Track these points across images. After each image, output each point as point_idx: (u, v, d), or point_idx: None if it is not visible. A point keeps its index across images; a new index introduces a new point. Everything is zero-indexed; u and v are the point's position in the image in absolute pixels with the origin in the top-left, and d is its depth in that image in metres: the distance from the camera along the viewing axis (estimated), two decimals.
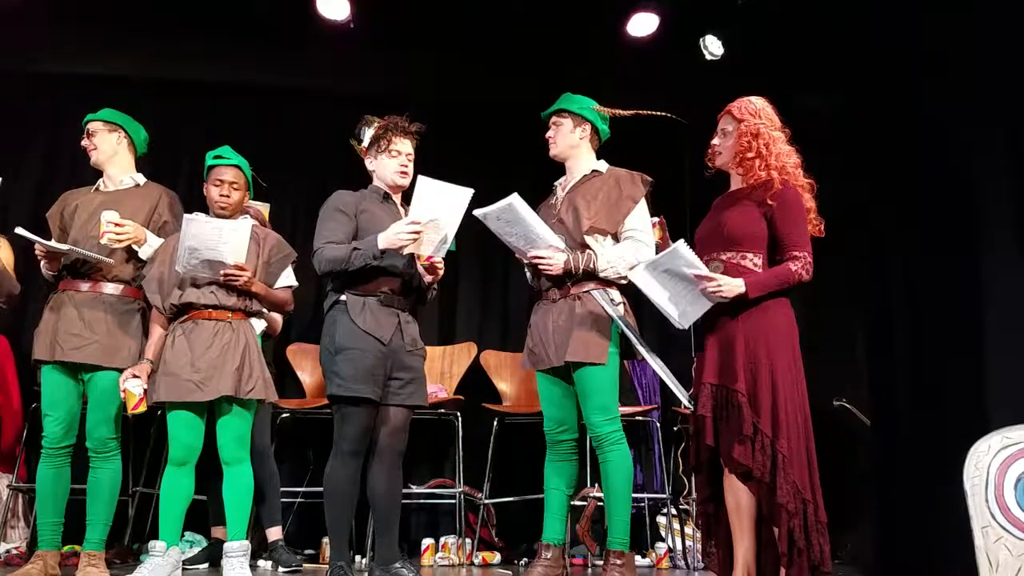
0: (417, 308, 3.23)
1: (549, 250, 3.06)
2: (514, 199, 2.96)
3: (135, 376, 3.06)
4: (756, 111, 2.90)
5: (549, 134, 3.27)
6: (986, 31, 3.75)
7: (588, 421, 3.09)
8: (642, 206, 3.16)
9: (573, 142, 3.24)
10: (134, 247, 3.24)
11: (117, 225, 3.14)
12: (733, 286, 2.74)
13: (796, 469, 2.65)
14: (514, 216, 3.00)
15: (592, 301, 3.08)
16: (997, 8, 3.67)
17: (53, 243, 3.16)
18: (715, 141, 2.99)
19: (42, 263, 3.28)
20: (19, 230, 3.14)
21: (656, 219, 3.23)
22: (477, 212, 3.05)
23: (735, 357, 2.74)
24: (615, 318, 3.07)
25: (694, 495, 4.11)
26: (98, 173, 3.43)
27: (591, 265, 3.06)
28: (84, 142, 3.39)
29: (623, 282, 3.17)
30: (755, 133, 2.86)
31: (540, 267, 3.07)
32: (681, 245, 2.84)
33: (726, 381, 2.75)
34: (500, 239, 3.15)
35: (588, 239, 3.10)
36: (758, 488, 2.68)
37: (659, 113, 3.26)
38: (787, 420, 2.68)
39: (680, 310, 2.81)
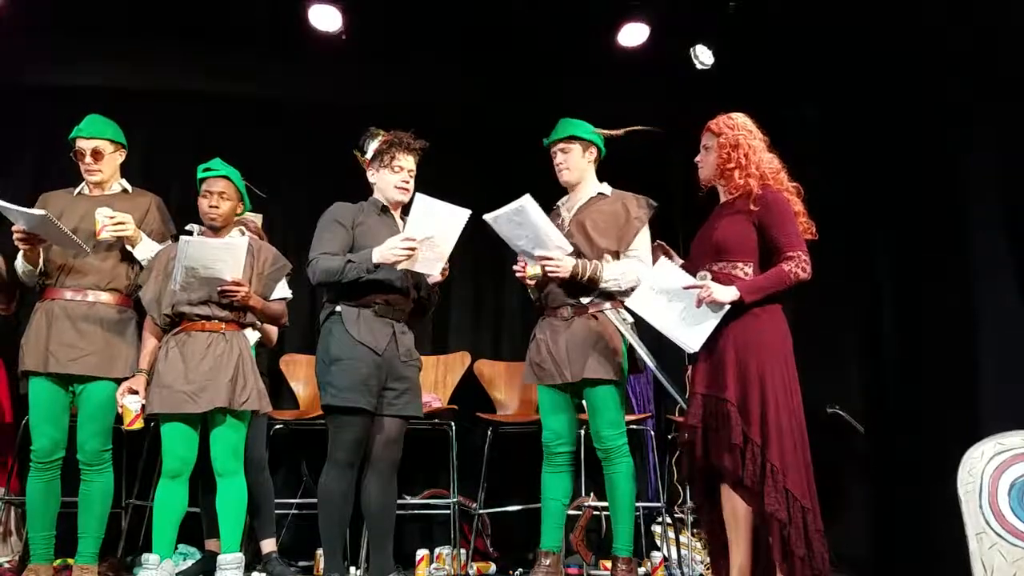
0: (413, 319, 3.24)
1: (557, 252, 3.14)
2: (526, 201, 3.04)
3: (132, 391, 3.06)
4: (734, 124, 2.93)
5: (559, 160, 3.34)
6: (981, 34, 3.78)
7: (598, 434, 3.19)
8: (645, 228, 3.28)
9: (584, 166, 3.34)
10: (128, 247, 3.24)
11: (111, 218, 3.14)
12: (726, 291, 2.74)
13: (793, 477, 2.65)
14: (525, 219, 3.07)
15: (606, 320, 3.20)
16: (992, 12, 3.70)
17: (29, 209, 3.03)
18: (697, 158, 3.02)
19: (20, 259, 3.22)
20: None
21: (654, 244, 3.29)
22: (487, 217, 3.12)
23: (725, 366, 2.75)
24: (628, 337, 3.19)
25: (688, 503, 4.12)
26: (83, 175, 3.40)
27: (597, 274, 3.15)
28: (88, 160, 3.29)
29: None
30: (734, 144, 2.89)
31: (548, 268, 3.14)
32: (663, 261, 2.87)
33: (715, 391, 2.76)
34: (509, 244, 3.22)
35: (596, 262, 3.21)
36: (749, 496, 2.69)
37: (642, 128, 3.35)
38: (779, 429, 2.68)
39: (687, 331, 2.82)
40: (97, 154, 3.32)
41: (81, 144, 3.32)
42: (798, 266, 2.77)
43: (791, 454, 2.68)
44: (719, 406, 2.74)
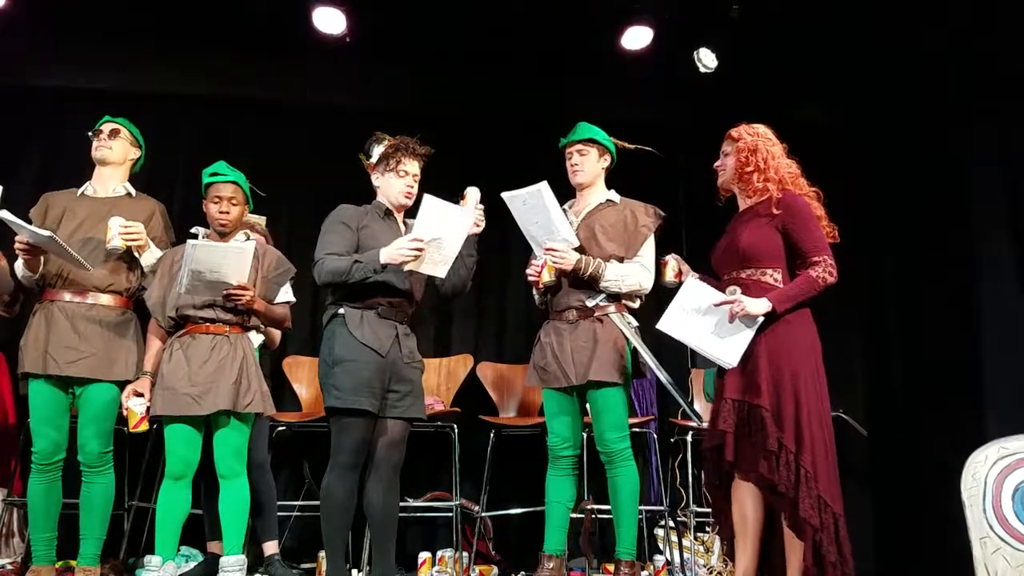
0: (415, 322, 3.25)
1: (563, 244, 3.19)
2: (543, 186, 3.12)
3: (137, 394, 3.06)
4: (755, 132, 2.96)
5: (575, 162, 3.37)
6: (981, 34, 3.78)
7: (602, 437, 3.20)
8: (651, 237, 3.33)
9: (598, 171, 3.40)
10: (136, 254, 3.25)
11: (126, 227, 3.15)
12: (758, 304, 2.74)
13: (824, 482, 2.65)
14: (539, 203, 3.14)
15: (612, 324, 3.22)
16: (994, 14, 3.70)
17: (36, 228, 3.06)
18: (716, 164, 3.03)
19: (20, 262, 3.21)
20: (2, 213, 3.01)
21: (665, 258, 3.29)
22: (504, 195, 3.19)
23: (758, 373, 2.73)
24: (633, 341, 3.21)
25: (692, 507, 4.11)
26: (88, 176, 3.40)
27: (599, 272, 3.19)
28: (103, 138, 3.34)
29: (634, 306, 3.32)
30: (753, 149, 2.90)
31: (552, 259, 3.20)
32: (691, 280, 2.87)
33: (749, 397, 2.74)
34: (520, 227, 3.28)
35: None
36: (782, 502, 2.68)
37: (652, 150, 3.41)
38: (811, 435, 2.67)
39: (722, 346, 2.81)
40: (115, 132, 3.36)
41: (104, 126, 3.37)
42: (825, 271, 2.78)
43: (822, 460, 2.68)
44: (753, 412, 2.72)
